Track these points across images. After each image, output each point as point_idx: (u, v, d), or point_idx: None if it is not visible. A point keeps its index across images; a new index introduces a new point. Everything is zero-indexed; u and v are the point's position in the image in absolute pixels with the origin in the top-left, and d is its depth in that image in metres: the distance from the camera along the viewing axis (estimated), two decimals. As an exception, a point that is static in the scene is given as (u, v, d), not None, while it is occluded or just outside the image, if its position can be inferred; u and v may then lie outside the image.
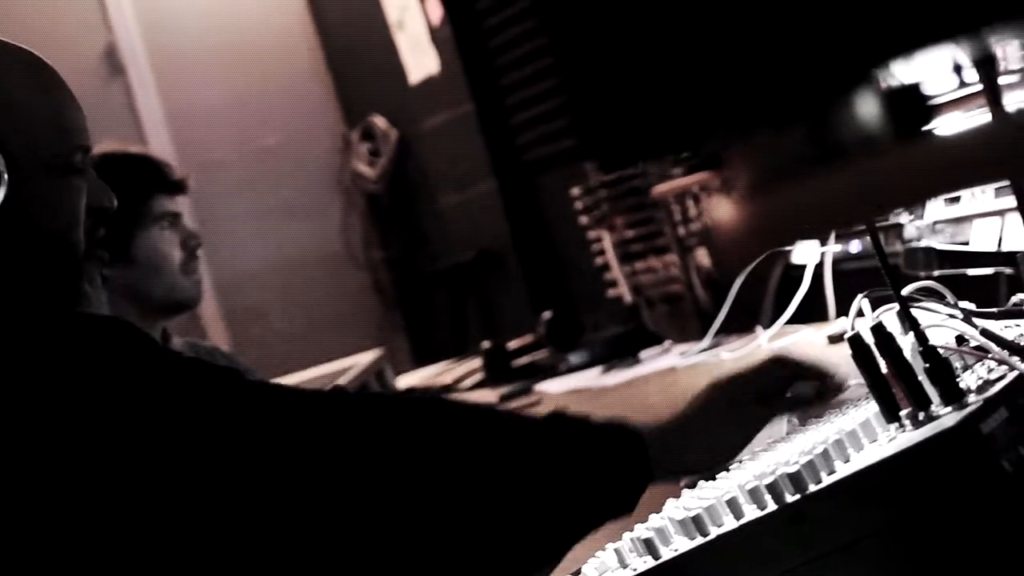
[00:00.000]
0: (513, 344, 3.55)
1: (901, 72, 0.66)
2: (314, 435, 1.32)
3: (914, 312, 1.13)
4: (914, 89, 0.69)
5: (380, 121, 4.61)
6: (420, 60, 4.29)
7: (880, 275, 1.12)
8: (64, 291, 1.42)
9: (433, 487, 1.32)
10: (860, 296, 1.17)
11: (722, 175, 2.74)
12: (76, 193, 1.44)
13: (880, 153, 0.66)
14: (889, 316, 1.16)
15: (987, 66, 0.95)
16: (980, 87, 0.96)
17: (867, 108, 0.64)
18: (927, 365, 1.07)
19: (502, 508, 1.32)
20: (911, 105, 0.68)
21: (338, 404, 1.37)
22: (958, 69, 1.02)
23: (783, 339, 2.66)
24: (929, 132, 0.73)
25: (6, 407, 1.25)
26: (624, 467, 1.36)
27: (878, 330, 1.08)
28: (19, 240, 1.38)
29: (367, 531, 1.30)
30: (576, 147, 3.40)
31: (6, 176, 1.35)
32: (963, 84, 1.35)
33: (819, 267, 2.65)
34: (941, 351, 1.08)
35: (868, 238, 1.11)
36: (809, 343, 2.54)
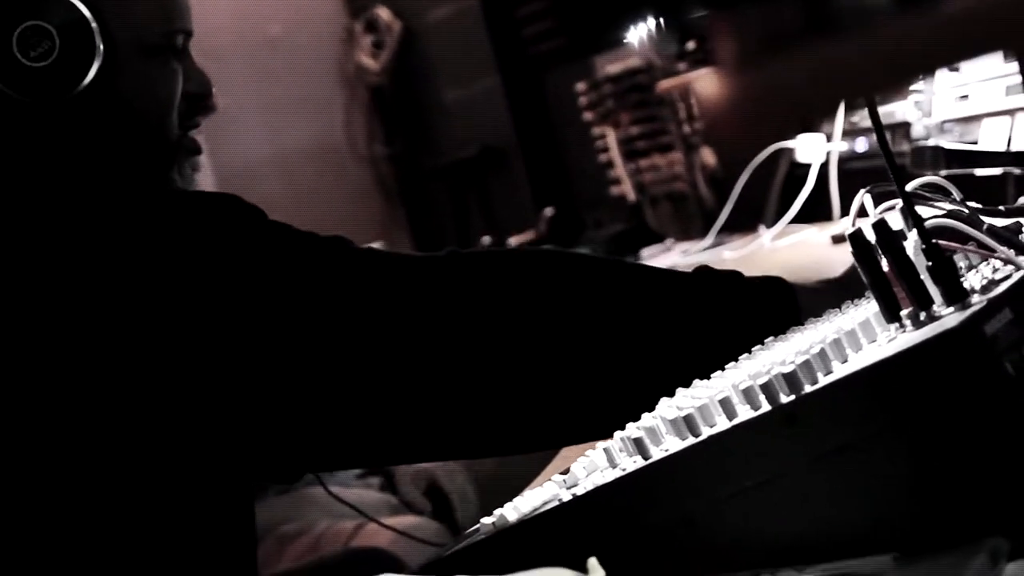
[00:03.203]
0: (514, 240, 3.53)
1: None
2: (443, 295, 1.32)
3: (918, 210, 1.09)
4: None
5: (384, 12, 4.53)
6: (424, -50, 4.21)
7: (886, 175, 1.08)
8: (153, 177, 1.39)
9: (580, 337, 1.31)
10: (862, 191, 1.13)
11: (711, 49, 2.70)
12: (173, 77, 1.40)
13: (880, 24, 0.62)
14: (893, 215, 1.12)
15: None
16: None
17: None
18: (930, 264, 1.03)
19: (652, 354, 1.32)
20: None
21: (461, 264, 1.36)
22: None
23: (786, 238, 2.63)
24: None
25: (124, 285, 1.23)
26: (774, 317, 1.34)
27: (880, 227, 1.05)
28: (111, 120, 1.35)
29: (508, 385, 1.30)
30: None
31: (102, 49, 1.32)
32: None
33: (824, 166, 2.62)
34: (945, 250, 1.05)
35: (874, 136, 1.07)
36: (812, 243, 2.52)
